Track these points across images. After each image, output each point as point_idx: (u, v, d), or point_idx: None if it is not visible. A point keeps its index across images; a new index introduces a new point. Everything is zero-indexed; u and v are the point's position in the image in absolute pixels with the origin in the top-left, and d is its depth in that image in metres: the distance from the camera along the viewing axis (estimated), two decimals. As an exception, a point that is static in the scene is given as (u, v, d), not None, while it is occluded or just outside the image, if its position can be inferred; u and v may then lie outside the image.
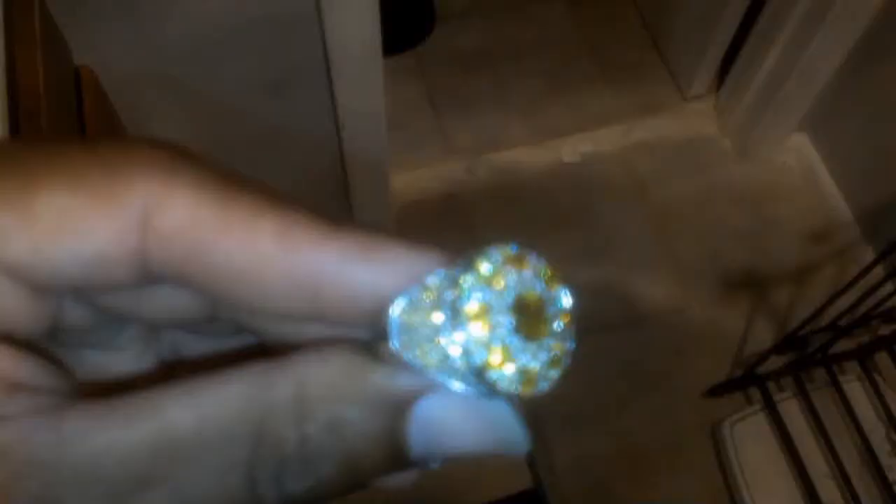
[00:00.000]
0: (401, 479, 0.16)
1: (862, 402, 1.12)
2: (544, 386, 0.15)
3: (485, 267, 0.14)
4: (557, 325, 0.15)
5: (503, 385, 0.14)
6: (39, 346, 0.15)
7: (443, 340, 0.14)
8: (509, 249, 0.14)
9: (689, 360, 1.27)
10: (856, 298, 0.95)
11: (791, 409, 1.13)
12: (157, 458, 0.13)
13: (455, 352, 0.14)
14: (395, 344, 0.14)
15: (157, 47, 0.91)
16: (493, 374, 0.14)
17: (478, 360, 0.14)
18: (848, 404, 1.09)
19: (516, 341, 0.14)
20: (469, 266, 0.14)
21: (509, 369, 0.14)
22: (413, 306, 0.14)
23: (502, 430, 0.15)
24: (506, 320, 0.14)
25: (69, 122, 0.76)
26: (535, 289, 0.15)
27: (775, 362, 1.14)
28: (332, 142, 1.12)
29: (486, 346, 0.14)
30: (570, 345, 0.15)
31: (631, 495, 1.17)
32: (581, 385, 1.19)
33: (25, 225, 0.14)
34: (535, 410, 1.18)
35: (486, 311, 0.14)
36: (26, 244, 0.14)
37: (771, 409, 1.13)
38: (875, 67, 1.25)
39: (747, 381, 1.17)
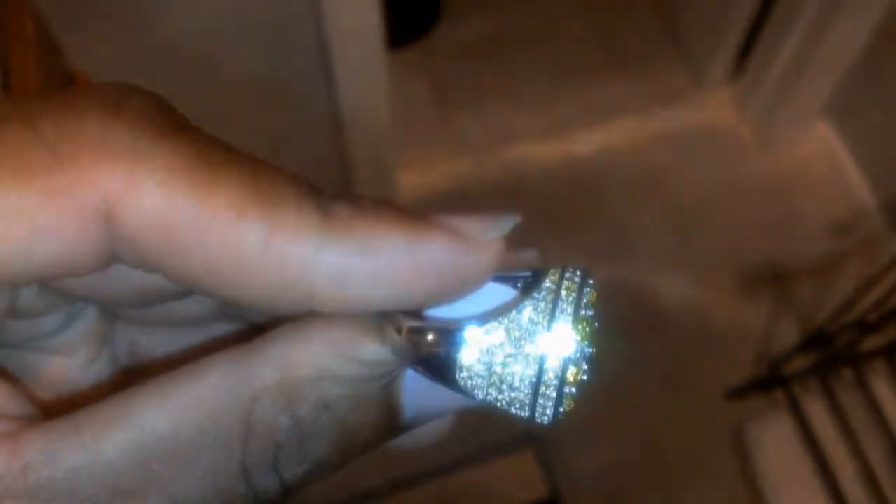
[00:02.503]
0: (429, 435, 0.16)
1: (890, 402, 1.09)
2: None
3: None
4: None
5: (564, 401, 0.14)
6: None
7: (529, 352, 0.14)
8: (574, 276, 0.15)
9: (710, 360, 1.23)
10: (884, 292, 0.91)
11: (816, 410, 1.10)
12: (138, 468, 0.12)
13: (530, 370, 0.14)
14: (453, 367, 0.14)
15: (153, 50, 0.90)
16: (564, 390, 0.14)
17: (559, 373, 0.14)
18: (876, 404, 1.06)
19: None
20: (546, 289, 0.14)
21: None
22: (492, 332, 0.14)
23: None
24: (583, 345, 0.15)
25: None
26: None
27: (800, 361, 1.10)
28: (336, 141, 1.11)
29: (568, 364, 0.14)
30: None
31: (651, 500, 1.15)
32: (598, 388, 1.16)
33: None
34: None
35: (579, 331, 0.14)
36: None
37: (795, 410, 1.10)
38: (901, 51, 1.21)
39: (771, 381, 1.14)
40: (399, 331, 0.14)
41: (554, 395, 0.14)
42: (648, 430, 1.19)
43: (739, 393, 1.18)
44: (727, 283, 1.30)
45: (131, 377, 0.18)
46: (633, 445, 1.17)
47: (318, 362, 0.13)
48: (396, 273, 0.13)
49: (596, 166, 1.40)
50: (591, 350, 0.14)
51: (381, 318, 0.14)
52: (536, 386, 0.14)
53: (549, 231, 1.30)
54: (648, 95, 1.48)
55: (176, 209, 0.12)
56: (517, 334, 0.14)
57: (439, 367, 0.14)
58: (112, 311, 0.18)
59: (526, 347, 0.14)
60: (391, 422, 0.14)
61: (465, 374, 0.14)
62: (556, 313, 0.14)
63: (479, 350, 0.14)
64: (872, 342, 1.06)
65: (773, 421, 1.12)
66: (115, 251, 0.13)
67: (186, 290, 0.15)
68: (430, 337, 0.14)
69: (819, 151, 1.41)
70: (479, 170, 1.39)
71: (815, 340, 1.08)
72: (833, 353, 1.07)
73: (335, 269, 0.13)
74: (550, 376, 0.14)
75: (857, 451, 1.05)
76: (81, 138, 0.12)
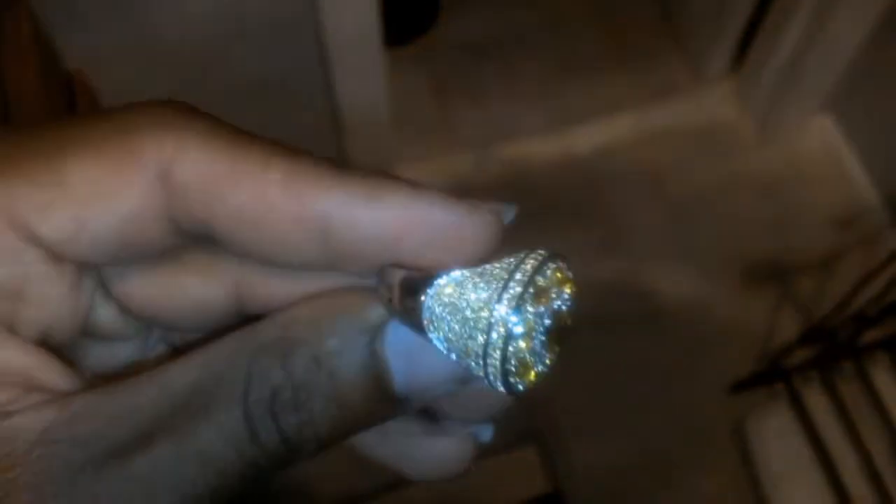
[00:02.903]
0: (446, 467, 0.18)
1: (892, 395, 1.09)
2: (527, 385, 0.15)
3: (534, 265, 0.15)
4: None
5: (520, 372, 0.15)
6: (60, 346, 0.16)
7: (491, 317, 0.15)
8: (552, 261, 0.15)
9: (711, 356, 1.23)
10: (884, 286, 0.91)
11: (818, 403, 1.10)
12: (159, 415, 0.14)
13: (497, 333, 0.14)
14: (426, 314, 0.15)
15: (152, 50, 0.90)
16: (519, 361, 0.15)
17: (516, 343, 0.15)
18: (877, 397, 1.06)
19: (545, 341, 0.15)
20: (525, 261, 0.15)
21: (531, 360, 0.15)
22: (462, 285, 0.15)
23: None
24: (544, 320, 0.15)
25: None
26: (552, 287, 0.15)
27: (801, 355, 1.10)
28: (336, 139, 1.10)
29: (528, 335, 0.15)
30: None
31: (654, 496, 1.15)
32: (600, 384, 1.16)
33: (63, 197, 0.15)
34: (552, 411, 1.16)
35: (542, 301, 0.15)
36: (68, 215, 0.15)
37: (797, 403, 1.10)
38: (901, 43, 1.20)
39: (772, 375, 1.14)
40: (388, 280, 0.15)
41: (497, 363, 0.15)
42: (650, 424, 1.19)
43: (741, 387, 1.18)
44: (728, 278, 1.29)
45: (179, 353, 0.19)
46: (635, 440, 1.17)
47: (315, 320, 0.15)
48: (396, 219, 0.15)
49: (596, 162, 1.40)
50: (549, 323, 0.15)
51: (379, 272, 0.16)
52: (485, 349, 0.15)
53: (550, 226, 1.30)
54: (649, 90, 1.47)
55: (215, 165, 0.15)
56: (474, 297, 0.15)
57: (416, 315, 0.15)
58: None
59: (481, 312, 0.15)
60: (381, 383, 0.15)
61: (433, 323, 0.15)
62: (510, 284, 0.15)
63: (444, 298, 0.15)
64: (873, 335, 1.06)
65: (775, 414, 1.12)
66: (173, 216, 0.15)
67: (236, 307, 0.18)
68: (406, 282, 0.15)
69: (820, 145, 1.41)
70: (479, 166, 1.39)
71: (816, 334, 1.08)
72: (834, 346, 1.07)
73: (345, 210, 0.15)
74: (496, 342, 0.14)
75: (858, 443, 1.05)
76: (139, 123, 0.15)
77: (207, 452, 0.14)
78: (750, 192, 1.38)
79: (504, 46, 1.52)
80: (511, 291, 0.15)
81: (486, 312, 0.15)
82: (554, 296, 0.15)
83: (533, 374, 0.15)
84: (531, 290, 0.15)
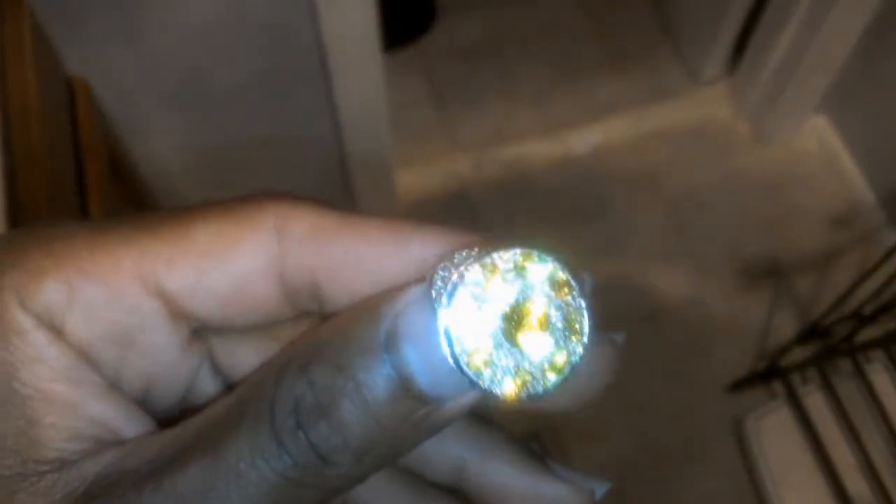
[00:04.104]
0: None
1: (889, 392, 1.09)
2: (538, 390, 0.15)
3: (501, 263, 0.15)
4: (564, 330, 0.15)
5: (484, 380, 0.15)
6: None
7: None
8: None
9: (710, 354, 1.24)
10: (880, 284, 0.92)
11: (816, 401, 1.11)
12: (197, 438, 0.15)
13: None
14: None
15: (151, 55, 0.90)
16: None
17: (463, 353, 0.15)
18: (874, 394, 1.07)
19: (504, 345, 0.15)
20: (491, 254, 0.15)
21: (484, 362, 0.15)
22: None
23: None
24: (496, 324, 0.15)
25: (62, 134, 0.75)
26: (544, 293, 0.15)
27: (799, 353, 1.11)
28: (334, 142, 1.11)
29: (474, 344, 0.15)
30: (575, 355, 0.15)
31: (653, 495, 1.15)
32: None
33: (187, 251, 0.16)
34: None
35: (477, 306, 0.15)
36: (190, 267, 0.16)
37: (795, 402, 1.11)
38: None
39: (770, 374, 1.14)
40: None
41: (452, 363, 0.15)
42: (649, 423, 1.19)
43: (739, 386, 1.18)
44: (726, 278, 1.30)
45: None
46: (635, 439, 1.18)
47: (339, 328, 0.16)
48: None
49: (594, 163, 1.41)
50: (503, 319, 0.15)
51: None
52: (451, 346, 0.15)
53: (548, 227, 1.31)
54: (645, 92, 1.48)
55: (323, 221, 0.16)
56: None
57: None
58: None
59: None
60: (405, 381, 0.15)
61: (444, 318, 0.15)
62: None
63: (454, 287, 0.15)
64: (870, 333, 1.06)
65: (773, 412, 1.12)
66: (284, 273, 0.16)
67: None
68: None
69: (816, 145, 1.41)
70: (477, 168, 1.39)
71: (813, 332, 1.08)
72: (831, 344, 1.07)
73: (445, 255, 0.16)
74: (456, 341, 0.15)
75: (856, 441, 1.05)
76: (257, 195, 0.17)
77: (239, 468, 0.14)
78: (747, 193, 1.38)
79: (502, 49, 1.53)
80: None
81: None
82: (507, 287, 0.15)
83: (506, 376, 0.15)
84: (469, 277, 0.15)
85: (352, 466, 0.15)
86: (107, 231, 0.16)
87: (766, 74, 1.35)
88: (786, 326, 1.24)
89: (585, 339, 0.15)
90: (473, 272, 0.15)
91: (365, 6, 0.92)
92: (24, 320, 0.15)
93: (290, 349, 0.16)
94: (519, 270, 0.15)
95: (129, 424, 0.16)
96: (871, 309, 0.98)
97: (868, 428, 1.07)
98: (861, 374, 1.08)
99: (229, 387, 0.19)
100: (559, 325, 0.15)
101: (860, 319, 1.00)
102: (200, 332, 0.18)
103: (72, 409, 0.16)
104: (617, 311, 1.23)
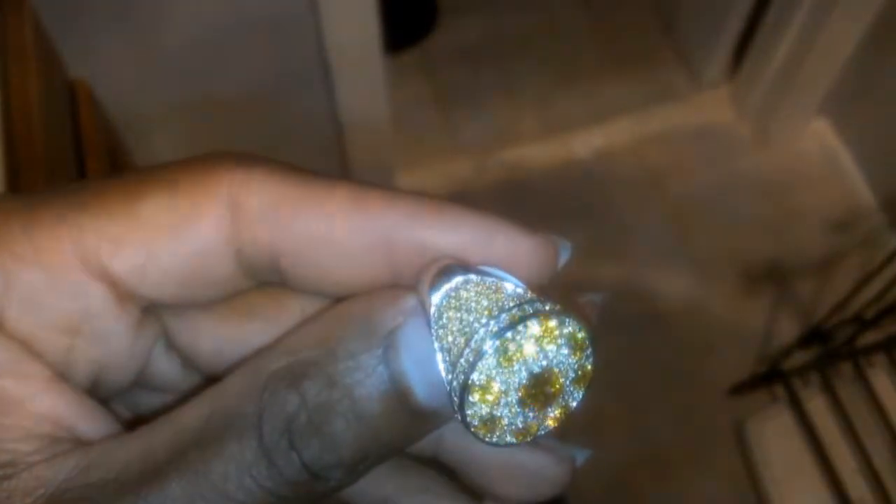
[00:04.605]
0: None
1: (890, 396, 1.09)
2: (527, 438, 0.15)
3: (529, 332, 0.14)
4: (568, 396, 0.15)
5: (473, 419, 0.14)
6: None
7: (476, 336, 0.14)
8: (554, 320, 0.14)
9: (711, 358, 1.24)
10: (882, 288, 0.91)
11: (817, 405, 1.10)
12: (172, 453, 0.14)
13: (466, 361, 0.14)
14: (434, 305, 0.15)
15: (154, 57, 0.90)
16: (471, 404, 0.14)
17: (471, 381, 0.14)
18: (876, 398, 1.06)
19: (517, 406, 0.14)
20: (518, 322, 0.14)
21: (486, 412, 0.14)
22: (468, 288, 0.15)
23: None
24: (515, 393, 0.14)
25: (64, 137, 0.75)
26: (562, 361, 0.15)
27: (801, 357, 1.10)
28: (336, 144, 1.11)
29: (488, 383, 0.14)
30: (573, 405, 0.15)
31: (654, 496, 1.15)
32: (600, 384, 1.16)
33: (136, 229, 0.15)
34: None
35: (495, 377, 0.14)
36: (139, 247, 0.15)
37: (796, 405, 1.10)
38: (897, 47, 1.21)
39: (771, 377, 1.14)
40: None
41: (456, 398, 0.14)
42: (651, 426, 1.19)
43: (740, 389, 1.18)
44: (727, 281, 1.30)
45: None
46: (636, 442, 1.18)
47: (323, 338, 0.15)
48: (460, 238, 0.16)
49: (595, 166, 1.41)
50: (524, 381, 0.14)
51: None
52: (448, 375, 0.14)
53: (550, 231, 1.30)
54: (647, 95, 1.48)
55: (282, 190, 0.15)
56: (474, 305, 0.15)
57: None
58: None
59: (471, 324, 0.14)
60: (402, 396, 0.14)
61: (436, 325, 0.15)
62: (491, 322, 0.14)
63: (452, 292, 0.15)
64: (871, 336, 1.06)
65: (774, 416, 1.12)
66: (240, 248, 0.15)
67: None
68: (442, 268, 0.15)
69: (817, 149, 1.41)
70: (479, 171, 1.39)
71: (815, 336, 1.08)
72: (832, 348, 1.07)
73: (410, 228, 0.15)
74: (459, 372, 0.14)
75: (858, 444, 1.05)
76: (209, 162, 0.16)
77: (224, 486, 0.14)
78: (748, 196, 1.38)
79: (503, 51, 1.53)
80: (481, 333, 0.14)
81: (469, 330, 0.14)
82: (534, 354, 0.14)
83: (506, 433, 0.14)
84: (500, 343, 0.14)
85: (343, 478, 0.14)
86: (44, 207, 0.15)
87: (768, 78, 1.35)
88: (787, 329, 1.24)
89: (585, 387, 0.15)
90: (501, 343, 0.14)
91: (367, 9, 0.92)
92: None
93: (269, 356, 0.15)
94: (542, 342, 0.14)
95: (82, 419, 0.15)
96: (872, 312, 0.98)
97: (869, 431, 1.06)
98: (862, 378, 1.08)
99: (204, 375, 0.19)
100: (568, 384, 0.15)
101: (861, 323, 1.00)
102: (152, 309, 0.17)
103: (18, 405, 0.14)
104: (618, 313, 1.23)
